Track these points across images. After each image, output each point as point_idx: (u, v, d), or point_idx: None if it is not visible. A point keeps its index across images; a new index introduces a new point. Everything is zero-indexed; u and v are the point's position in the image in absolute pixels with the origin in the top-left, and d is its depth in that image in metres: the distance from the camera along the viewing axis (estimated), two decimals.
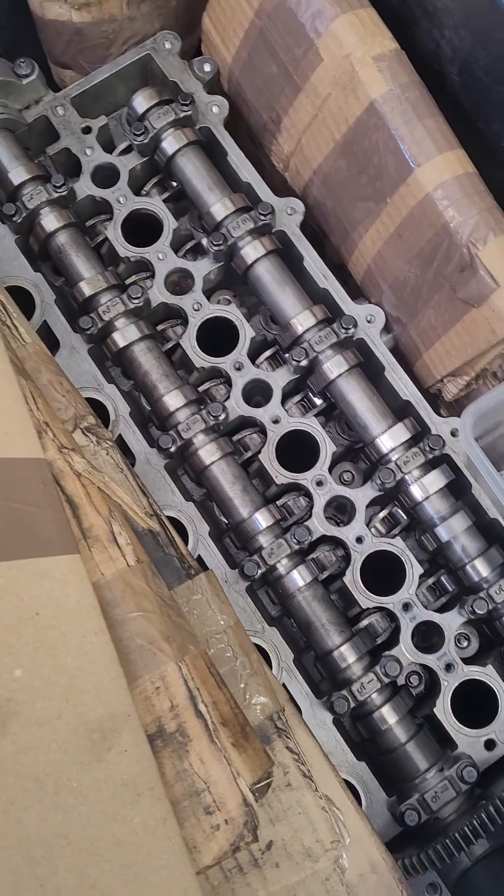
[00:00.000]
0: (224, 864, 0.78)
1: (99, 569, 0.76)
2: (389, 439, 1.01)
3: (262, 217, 1.06)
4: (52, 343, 1.06)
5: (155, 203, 1.12)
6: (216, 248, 1.06)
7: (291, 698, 0.93)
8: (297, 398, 1.11)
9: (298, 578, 0.99)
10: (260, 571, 0.98)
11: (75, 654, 0.69)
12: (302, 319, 1.04)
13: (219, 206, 1.07)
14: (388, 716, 0.95)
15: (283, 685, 0.96)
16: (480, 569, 0.97)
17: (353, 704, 0.94)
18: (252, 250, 1.06)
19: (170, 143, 1.10)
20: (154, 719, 0.72)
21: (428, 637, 1.04)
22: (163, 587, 0.81)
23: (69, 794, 0.62)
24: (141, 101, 1.10)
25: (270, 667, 0.97)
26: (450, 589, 1.03)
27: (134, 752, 0.68)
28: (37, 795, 0.60)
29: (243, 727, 0.76)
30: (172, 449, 1.01)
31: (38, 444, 0.77)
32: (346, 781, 0.93)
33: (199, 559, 1.01)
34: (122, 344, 1.04)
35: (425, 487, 1.00)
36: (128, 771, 0.66)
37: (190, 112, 1.10)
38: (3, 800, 0.58)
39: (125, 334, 1.04)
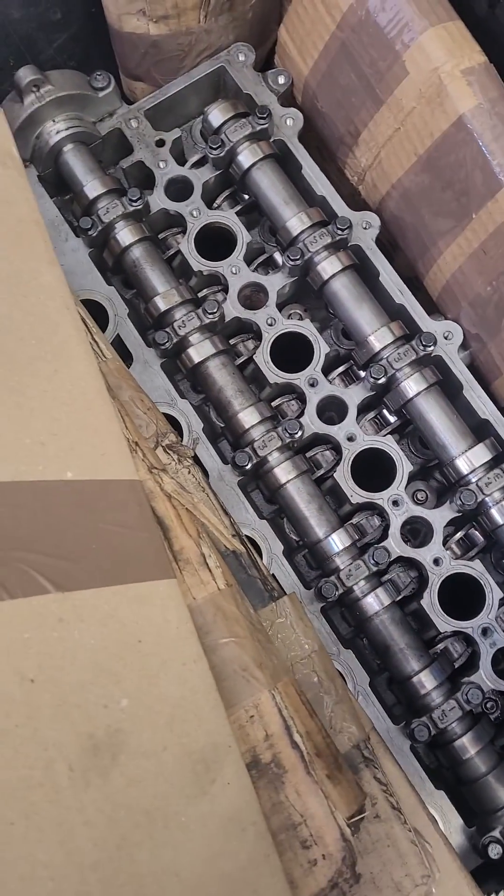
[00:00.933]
0: None
1: (191, 593, 0.75)
2: (470, 460, 0.99)
3: (340, 232, 1.04)
4: (124, 357, 1.05)
5: (228, 216, 1.11)
6: (293, 262, 1.05)
7: (373, 725, 0.92)
8: (370, 415, 1.09)
9: (376, 602, 0.97)
10: (338, 593, 0.97)
11: (177, 683, 0.68)
12: (380, 336, 1.03)
13: (295, 221, 1.06)
14: (471, 745, 0.93)
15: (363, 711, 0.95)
16: None
17: (433, 732, 0.92)
18: (329, 265, 1.05)
19: (246, 157, 1.08)
20: (248, 749, 0.70)
21: (500, 660, 1.01)
22: (251, 611, 0.80)
23: (178, 828, 0.61)
24: (217, 115, 1.09)
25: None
26: None
27: (236, 784, 0.66)
28: (148, 831, 0.59)
29: (336, 758, 0.75)
30: (248, 466, 1.00)
31: (133, 465, 0.76)
32: None
33: (273, 578, 0.99)
34: (197, 360, 1.03)
35: None
36: (232, 804, 0.65)
37: (266, 125, 1.08)
38: (115, 835, 0.57)
39: (200, 350, 1.03)
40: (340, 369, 1.10)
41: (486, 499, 0.98)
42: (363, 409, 1.09)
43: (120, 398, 0.89)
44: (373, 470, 1.05)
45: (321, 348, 1.06)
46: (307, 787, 0.70)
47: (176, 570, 0.75)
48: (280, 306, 1.12)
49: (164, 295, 1.04)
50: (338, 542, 0.99)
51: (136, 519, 0.73)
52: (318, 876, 0.69)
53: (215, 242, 1.12)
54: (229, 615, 0.75)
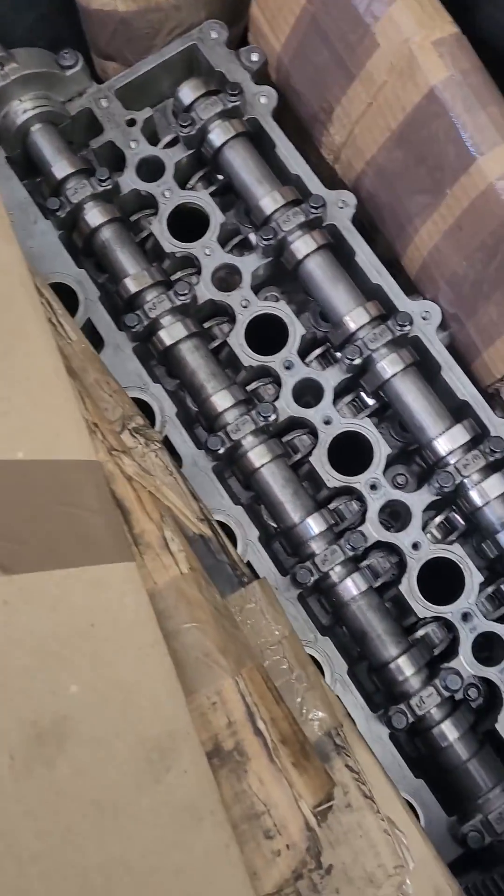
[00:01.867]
0: (284, 889, 0.74)
1: (152, 577, 0.73)
2: (448, 441, 0.97)
3: (314, 210, 1.02)
4: (95, 341, 1.03)
5: (201, 197, 1.08)
6: (266, 242, 1.02)
7: (346, 712, 0.89)
8: (348, 398, 1.06)
9: (353, 587, 0.95)
10: (313, 579, 0.95)
11: (132, 669, 0.65)
12: (355, 316, 1.00)
13: (268, 200, 1.04)
14: (450, 732, 0.90)
15: (337, 698, 0.92)
16: None
17: (411, 719, 0.90)
18: (303, 245, 1.02)
19: (217, 135, 1.06)
20: (210, 737, 0.68)
21: (488, 648, 0.99)
22: (217, 596, 0.77)
23: (128, 819, 0.59)
24: (187, 92, 1.07)
25: (323, 678, 0.93)
26: None
27: (194, 772, 0.64)
28: (95, 821, 0.57)
29: (303, 745, 0.73)
30: (221, 451, 0.97)
31: (91, 446, 0.73)
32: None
33: (249, 565, 0.97)
34: (168, 342, 1.01)
35: (486, 492, 0.95)
36: (188, 793, 0.63)
37: (238, 102, 1.06)
38: (60, 826, 0.55)
39: (172, 332, 1.01)
40: (317, 352, 1.07)
41: (465, 480, 0.95)
42: (341, 393, 1.06)
43: (84, 381, 0.87)
44: (352, 454, 1.03)
45: (296, 330, 1.04)
46: (271, 776, 0.68)
47: (136, 554, 0.73)
48: (256, 289, 1.09)
49: (135, 276, 1.02)
50: (313, 526, 0.96)
51: (93, 500, 0.71)
52: (282, 866, 0.67)
53: (189, 224, 1.10)
54: (192, 600, 0.73)
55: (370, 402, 1.06)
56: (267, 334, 1.06)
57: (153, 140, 1.13)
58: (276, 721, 0.71)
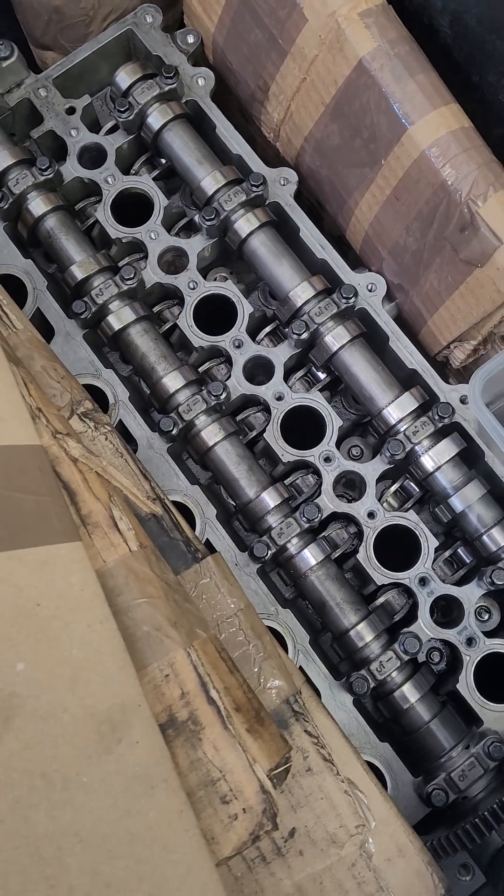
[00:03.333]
0: (246, 853, 0.76)
1: (101, 556, 0.74)
2: (397, 410, 0.98)
3: (255, 188, 1.03)
4: (46, 331, 1.03)
5: (144, 181, 1.09)
6: (209, 223, 1.03)
7: (309, 681, 0.91)
8: (300, 374, 1.07)
9: (310, 557, 0.96)
10: (270, 552, 0.96)
11: (80, 645, 0.66)
12: (300, 291, 1.01)
13: (209, 180, 1.04)
14: (410, 694, 0.92)
15: (301, 668, 0.94)
16: (498, 538, 0.94)
17: (372, 684, 0.92)
18: (245, 223, 1.03)
19: (155, 118, 1.06)
20: (164, 708, 0.69)
21: (447, 612, 1.01)
22: (168, 572, 0.78)
23: (78, 789, 0.60)
24: (124, 77, 1.07)
25: (286, 650, 0.94)
26: (467, 561, 1.00)
27: (145, 742, 0.65)
28: (44, 792, 0.58)
29: (258, 712, 0.74)
30: (174, 432, 0.98)
31: (34, 430, 0.74)
32: (370, 764, 0.90)
33: (208, 543, 0.98)
34: (117, 327, 1.02)
35: (436, 457, 0.96)
36: (140, 763, 0.64)
37: (175, 85, 1.06)
38: (8, 798, 0.56)
39: (120, 317, 1.02)
40: (267, 329, 1.08)
41: (416, 447, 0.97)
42: (292, 369, 1.07)
43: (31, 368, 0.88)
44: (306, 430, 1.04)
45: (245, 309, 1.05)
46: (225, 742, 0.69)
47: (84, 534, 0.74)
48: (204, 271, 1.10)
49: (81, 264, 1.03)
50: (269, 500, 0.97)
51: (37, 484, 0.72)
52: (240, 829, 0.68)
53: (135, 211, 1.10)
54: (142, 576, 0.74)
55: (321, 376, 1.07)
56: (217, 315, 1.07)
57: (94, 127, 1.13)
58: (229, 690, 0.72)
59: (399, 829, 0.80)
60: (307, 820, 0.78)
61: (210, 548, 0.97)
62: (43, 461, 0.74)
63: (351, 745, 0.83)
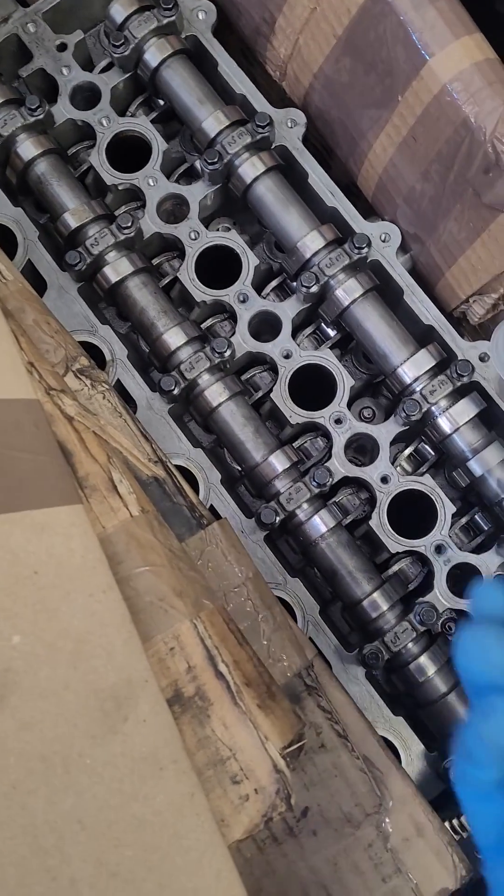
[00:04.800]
0: (257, 834, 0.72)
1: (99, 521, 0.68)
2: (412, 368, 0.92)
3: (260, 129, 0.96)
4: (38, 285, 0.97)
5: (141, 123, 1.02)
6: (211, 167, 0.96)
7: (321, 654, 0.86)
8: (308, 331, 1.02)
9: (321, 524, 0.91)
10: (278, 519, 0.91)
11: (82, 616, 0.61)
12: (309, 241, 0.95)
13: (211, 121, 0.97)
14: (427, 666, 0.88)
15: (310, 640, 0.89)
16: None
17: (387, 656, 0.87)
18: (250, 167, 0.96)
19: (153, 54, 0.99)
20: (170, 683, 0.64)
21: (464, 581, 0.96)
22: (172, 539, 0.73)
23: (81, 772, 0.55)
24: (118, 9, 0.99)
25: (295, 621, 0.90)
26: (485, 528, 0.95)
27: (153, 721, 0.61)
28: (43, 777, 0.53)
29: (269, 687, 0.69)
30: (176, 391, 0.92)
31: (29, 384, 0.68)
32: (384, 738, 0.86)
33: (213, 509, 0.93)
34: (113, 279, 0.95)
35: (454, 418, 0.91)
36: (147, 743, 0.59)
37: (173, 17, 0.99)
38: (4, 784, 0.51)
39: (117, 268, 0.95)
40: (274, 283, 1.02)
41: (432, 408, 0.91)
42: (301, 325, 1.01)
43: (23, 322, 0.81)
44: (316, 391, 0.98)
45: (250, 261, 0.99)
46: (235, 719, 0.65)
47: (82, 498, 0.69)
48: (207, 221, 1.03)
49: (74, 211, 0.96)
50: (276, 464, 0.92)
51: (33, 441, 0.66)
52: (251, 811, 0.63)
53: (133, 156, 1.03)
54: (144, 543, 0.69)
55: (331, 333, 1.01)
56: (220, 269, 1.01)
57: (87, 66, 1.06)
58: (239, 663, 0.67)
59: (417, 808, 0.76)
60: (321, 799, 0.74)
61: (215, 514, 0.92)
62: (40, 417, 0.69)
63: (366, 720, 0.78)
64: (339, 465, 0.94)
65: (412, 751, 0.89)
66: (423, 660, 0.88)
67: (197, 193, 1.00)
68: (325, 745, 0.75)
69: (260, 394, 0.99)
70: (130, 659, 0.62)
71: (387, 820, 0.74)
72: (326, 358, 0.96)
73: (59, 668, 0.58)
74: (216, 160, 0.96)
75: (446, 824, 0.78)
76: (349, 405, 0.96)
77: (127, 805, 0.56)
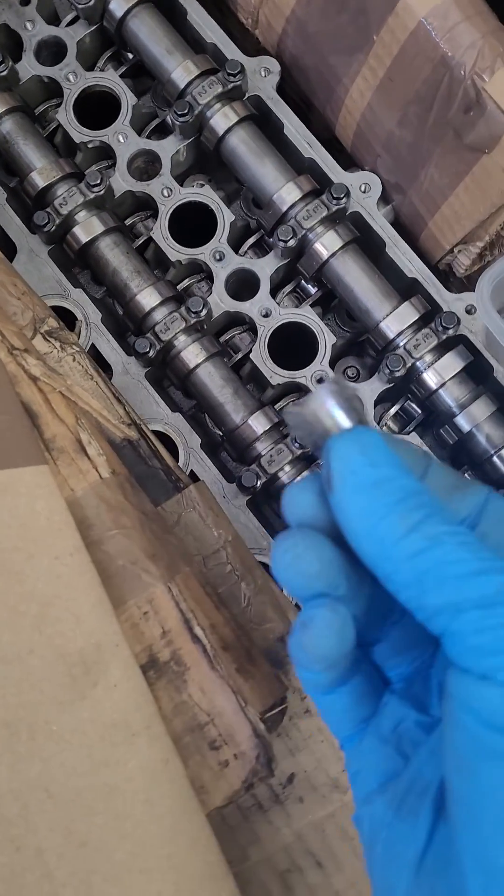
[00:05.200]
0: (241, 801, 0.70)
1: (68, 484, 0.66)
2: (396, 322, 0.89)
3: (231, 78, 0.92)
4: (9, 249, 0.94)
5: (110, 77, 0.98)
6: (182, 119, 0.93)
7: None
8: (288, 288, 0.98)
9: None
10: (260, 482, 0.88)
11: (47, 579, 0.59)
12: (285, 193, 0.91)
13: (181, 71, 0.93)
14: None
15: (292, 602, 0.87)
16: None
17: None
18: (222, 118, 0.92)
19: (118, 3, 0.95)
20: (144, 648, 0.62)
21: None
22: (146, 502, 0.71)
23: (47, 739, 0.53)
24: None
25: (273, 582, 0.87)
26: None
27: (125, 686, 0.58)
28: (7, 744, 0.51)
29: (248, 651, 0.67)
30: (151, 354, 0.89)
31: None
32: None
33: (193, 475, 0.90)
34: (84, 239, 0.92)
35: (440, 373, 0.88)
36: (118, 708, 0.57)
37: None
38: None
39: (87, 228, 0.92)
40: (251, 241, 0.99)
41: (417, 363, 0.88)
42: (280, 283, 0.98)
43: None
44: (297, 351, 0.95)
45: (225, 217, 0.95)
46: (212, 684, 0.62)
47: (48, 460, 0.66)
48: (180, 178, 1.00)
49: (42, 170, 0.92)
50: (257, 426, 0.89)
51: None
52: (231, 778, 0.61)
53: (103, 115, 0.99)
54: (115, 505, 0.67)
55: (312, 290, 0.98)
56: (196, 229, 0.97)
57: (53, 21, 1.02)
58: (215, 627, 0.65)
59: None
60: (307, 764, 0.72)
61: (195, 480, 0.89)
62: (2, 377, 0.66)
63: None
64: None
65: None
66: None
67: (169, 149, 0.96)
68: (310, 710, 0.73)
69: (240, 355, 0.96)
70: (100, 623, 0.59)
71: None
72: (307, 315, 0.93)
73: (23, 632, 0.56)
74: (186, 112, 0.92)
75: None
76: (332, 364, 0.93)
77: (97, 772, 0.54)
